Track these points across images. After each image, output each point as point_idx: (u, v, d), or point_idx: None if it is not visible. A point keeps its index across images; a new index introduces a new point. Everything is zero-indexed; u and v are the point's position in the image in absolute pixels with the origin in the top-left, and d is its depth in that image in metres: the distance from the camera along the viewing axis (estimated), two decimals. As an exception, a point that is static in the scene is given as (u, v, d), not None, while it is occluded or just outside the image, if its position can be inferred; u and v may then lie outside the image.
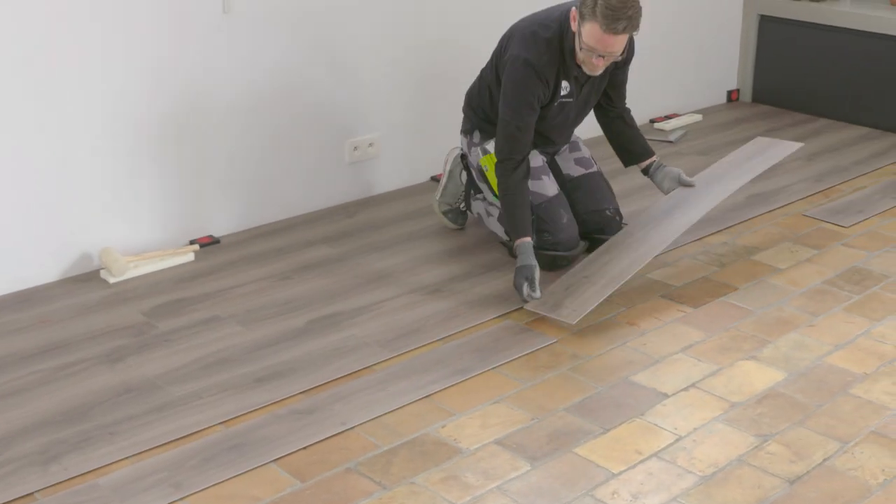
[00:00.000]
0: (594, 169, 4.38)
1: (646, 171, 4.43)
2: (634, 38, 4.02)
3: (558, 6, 4.03)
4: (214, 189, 4.37)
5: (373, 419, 3.17)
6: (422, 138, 5.04)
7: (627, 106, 4.39)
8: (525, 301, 3.84)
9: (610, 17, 3.66)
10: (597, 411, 3.22)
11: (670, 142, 5.80)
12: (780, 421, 3.19)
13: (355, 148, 4.79)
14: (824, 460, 3.00)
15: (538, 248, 4.09)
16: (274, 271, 4.13)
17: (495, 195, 4.23)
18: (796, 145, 4.66)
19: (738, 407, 3.26)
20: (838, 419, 3.20)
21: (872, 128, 6.15)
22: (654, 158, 4.41)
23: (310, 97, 4.57)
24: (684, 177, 4.34)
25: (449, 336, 3.66)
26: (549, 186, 4.18)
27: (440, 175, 5.05)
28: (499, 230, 4.33)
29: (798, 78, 6.43)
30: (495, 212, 4.34)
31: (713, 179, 4.41)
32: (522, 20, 4.09)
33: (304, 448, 3.03)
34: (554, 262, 4.16)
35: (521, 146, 3.99)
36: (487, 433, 3.11)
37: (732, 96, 6.69)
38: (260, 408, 3.22)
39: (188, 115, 4.21)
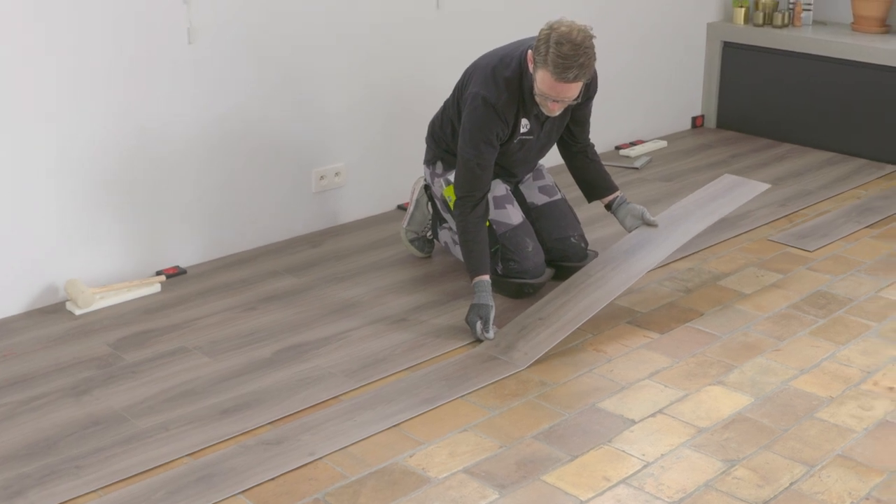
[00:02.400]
0: (558, 196, 4.41)
1: (609, 207, 4.41)
2: (597, 70, 4.04)
3: (520, 43, 4.04)
4: (180, 219, 4.36)
5: (340, 449, 3.16)
6: (387, 167, 5.05)
7: (592, 141, 4.38)
8: (478, 340, 3.84)
9: (560, 66, 3.68)
10: (564, 438, 3.23)
11: (635, 168, 5.82)
12: (746, 445, 3.20)
13: (321, 177, 4.79)
14: (791, 484, 3.00)
15: (504, 277, 4.12)
16: (240, 302, 4.12)
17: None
18: (763, 186, 4.61)
19: (704, 432, 3.27)
20: (804, 443, 3.21)
21: (836, 152, 6.20)
22: (617, 194, 4.39)
23: (275, 127, 4.57)
24: (647, 215, 4.31)
25: (416, 365, 3.66)
26: (513, 215, 4.19)
27: (407, 203, 5.06)
28: (461, 255, 4.27)
29: (762, 103, 6.48)
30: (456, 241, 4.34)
31: (677, 219, 4.37)
32: (485, 56, 4.12)
33: (272, 479, 3.01)
34: (520, 289, 4.17)
35: (481, 183, 3.98)
36: (455, 462, 3.10)
37: (697, 122, 6.73)
38: (227, 439, 3.21)
39: (154, 146, 4.20)
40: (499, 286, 4.16)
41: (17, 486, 2.96)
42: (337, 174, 4.84)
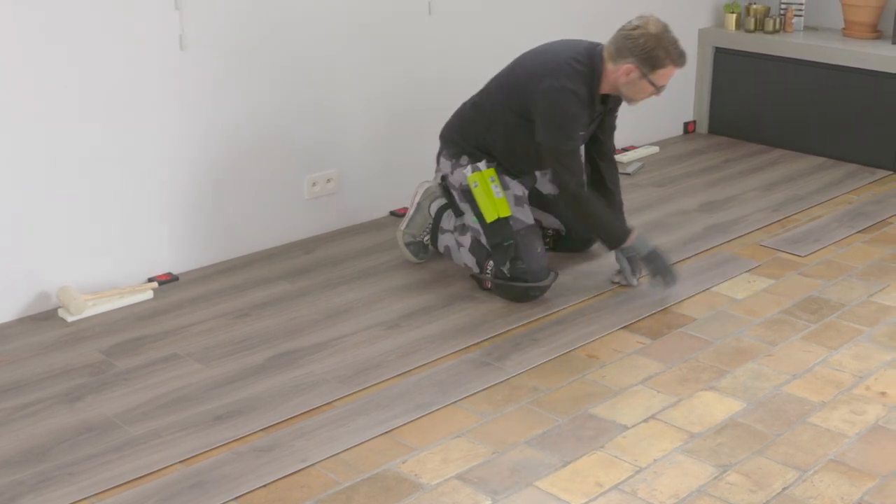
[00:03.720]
0: None
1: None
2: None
3: (567, 43, 4.31)
4: (173, 226, 4.36)
5: (333, 456, 3.16)
6: (380, 174, 5.05)
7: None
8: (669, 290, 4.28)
9: (681, 54, 4.12)
10: (557, 444, 3.23)
11: (628, 174, 5.83)
12: (739, 451, 3.20)
13: (314, 184, 4.79)
14: (784, 489, 3.01)
15: (510, 280, 4.19)
16: (232, 308, 4.12)
17: (480, 219, 4.27)
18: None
19: (697, 437, 3.27)
20: (797, 448, 3.22)
21: (828, 157, 6.21)
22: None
23: (268, 133, 4.57)
24: (628, 275, 4.38)
25: (409, 371, 3.66)
26: (528, 215, 4.31)
27: (401, 210, 5.08)
28: (470, 261, 4.34)
29: (754, 109, 6.49)
30: (467, 242, 4.36)
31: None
32: (534, 54, 4.35)
33: (265, 486, 3.01)
34: (526, 293, 4.20)
35: (580, 169, 4.24)
36: (448, 468, 3.11)
37: (689, 128, 6.74)
38: (219, 446, 3.21)
39: (146, 153, 4.20)
40: (503, 290, 4.22)
41: (11, 493, 2.96)
42: (329, 181, 4.84)
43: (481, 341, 3.88)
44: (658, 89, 4.19)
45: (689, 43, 6.50)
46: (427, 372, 3.65)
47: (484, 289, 4.27)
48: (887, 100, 5.94)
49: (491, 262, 4.24)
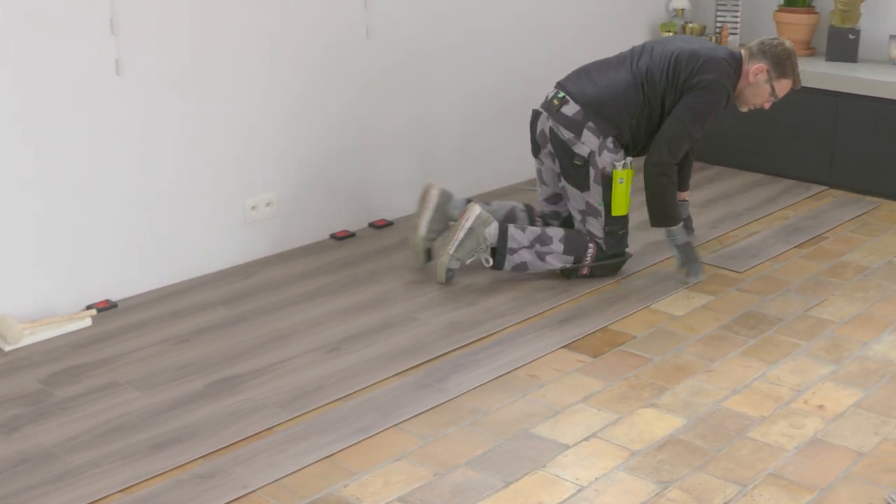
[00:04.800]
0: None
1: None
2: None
3: (721, 50, 4.69)
4: (111, 252, 4.33)
5: (274, 481, 3.14)
6: (319, 196, 5.04)
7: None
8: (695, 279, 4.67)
9: (799, 79, 4.70)
10: (499, 464, 3.23)
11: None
12: (680, 467, 3.21)
13: (253, 207, 4.77)
14: (724, 505, 3.03)
15: (607, 258, 4.65)
16: (172, 334, 4.10)
17: (602, 202, 4.61)
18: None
19: (638, 455, 3.28)
20: (737, 463, 3.24)
21: (764, 174, 6.28)
22: (686, 195, 5.18)
23: (206, 157, 4.56)
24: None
25: (349, 395, 3.65)
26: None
27: (341, 232, 5.07)
28: (565, 261, 4.62)
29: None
30: (558, 248, 4.61)
31: None
32: (692, 43, 4.74)
33: (205, 513, 3.00)
34: (616, 266, 4.72)
35: (681, 154, 4.65)
36: (390, 491, 3.10)
37: (627, 146, 6.77)
38: (159, 474, 3.18)
39: (83, 179, 4.17)
40: (603, 269, 4.67)
41: (-55, 527, 2.93)
42: (268, 204, 4.83)
43: (422, 363, 3.87)
44: (772, 97, 4.69)
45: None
46: (368, 395, 3.65)
47: (577, 276, 4.65)
48: (821, 116, 6.01)
49: (589, 253, 4.62)
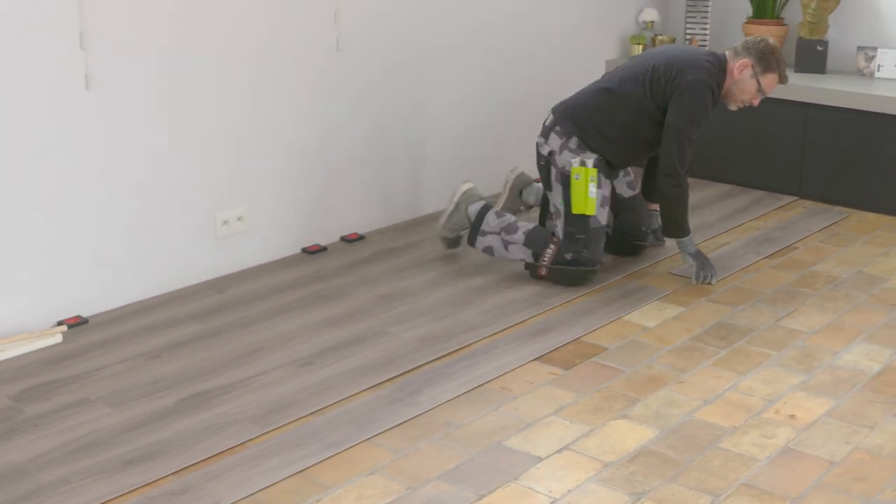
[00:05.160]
0: (637, 191, 5.16)
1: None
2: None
3: (703, 52, 4.87)
4: (81, 268, 4.31)
5: (247, 497, 3.13)
6: (291, 210, 5.04)
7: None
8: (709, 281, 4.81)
9: (784, 73, 4.78)
10: (471, 477, 3.23)
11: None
12: (652, 478, 3.22)
13: (224, 222, 4.76)
14: (696, 516, 3.04)
15: (565, 263, 4.71)
16: (143, 350, 4.08)
17: (563, 202, 4.74)
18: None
19: (611, 466, 3.29)
20: (709, 473, 3.25)
21: (735, 185, 6.31)
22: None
23: (177, 172, 4.54)
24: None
25: (322, 409, 3.64)
26: (605, 217, 4.80)
27: (313, 247, 5.07)
28: (524, 254, 4.80)
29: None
30: (519, 238, 4.80)
31: None
32: (672, 50, 4.92)
33: (177, 530, 2.99)
34: (584, 276, 4.75)
35: (689, 158, 4.77)
36: (363, 505, 3.10)
37: (598, 158, 6.79)
38: (131, 491, 3.16)
39: (52, 193, 4.15)
40: (560, 274, 4.73)
41: (-85, 547, 2.91)
42: (240, 218, 4.82)
43: (394, 377, 3.87)
44: (759, 92, 4.77)
45: (595, 73, 6.56)
46: (340, 409, 3.64)
47: (537, 276, 4.77)
48: (790, 127, 6.04)
49: (549, 251, 4.73)
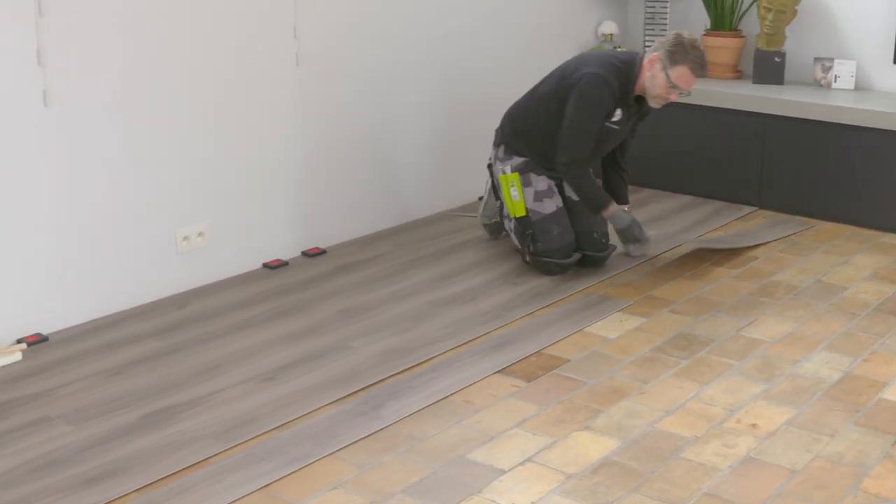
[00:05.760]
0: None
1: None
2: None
3: (617, 52, 5.07)
4: (41, 285, 4.28)
5: (209, 513, 3.13)
6: (252, 225, 5.03)
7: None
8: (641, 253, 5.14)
9: (699, 64, 4.81)
10: (435, 491, 3.23)
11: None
12: (615, 489, 3.23)
13: (185, 238, 4.75)
14: (659, 526, 3.05)
15: (534, 254, 4.97)
16: (104, 367, 4.06)
17: (505, 208, 5.07)
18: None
19: (574, 478, 3.30)
20: (671, 483, 3.26)
21: (695, 196, 6.34)
22: (624, 207, 5.29)
23: (137, 188, 4.53)
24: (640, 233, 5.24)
25: (284, 424, 3.63)
26: (547, 207, 4.99)
27: (274, 261, 5.07)
28: (514, 239, 5.11)
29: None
30: (513, 225, 5.09)
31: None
32: (588, 55, 5.10)
33: (139, 547, 2.97)
34: (545, 266, 4.98)
35: (587, 148, 4.93)
36: (326, 520, 3.09)
37: (559, 170, 6.82)
38: (92, 509, 3.15)
39: (9, 209, 4.13)
40: (534, 264, 5.00)
41: None
42: (200, 234, 4.81)
43: (357, 391, 3.87)
44: (671, 86, 4.82)
45: (555, 87, 6.59)
46: (303, 424, 3.63)
47: (525, 262, 5.07)
48: (749, 138, 6.08)
49: (522, 241, 5.02)
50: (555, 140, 4.99)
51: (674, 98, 4.90)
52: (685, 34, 4.84)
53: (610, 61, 4.92)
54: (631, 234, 5.11)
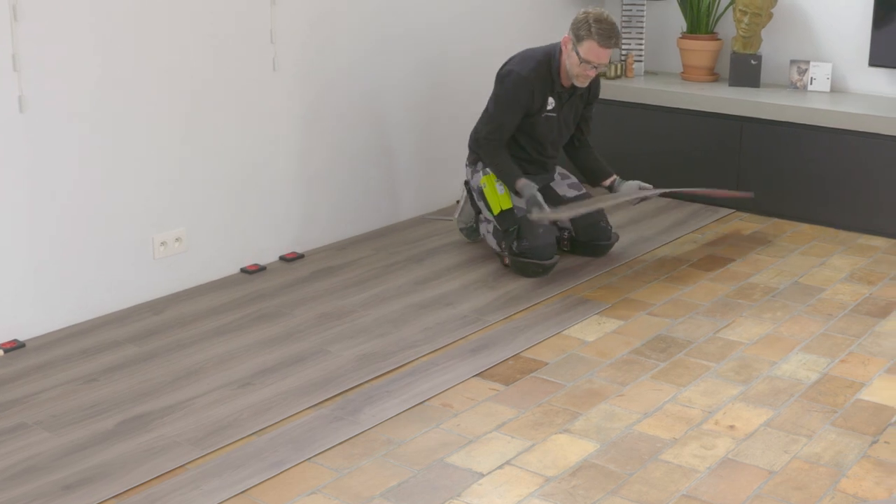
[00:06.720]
0: (584, 191, 5.46)
1: (610, 188, 5.38)
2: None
3: (541, 46, 5.24)
4: (17, 291, 4.27)
5: (187, 519, 3.12)
6: (229, 230, 5.02)
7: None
8: (541, 219, 4.96)
9: (604, 35, 4.91)
10: (414, 495, 3.22)
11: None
12: (594, 492, 3.23)
13: (162, 243, 4.74)
14: (638, 528, 3.05)
15: (516, 255, 5.02)
16: (81, 373, 4.04)
17: (491, 212, 5.14)
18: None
19: (552, 481, 3.30)
20: (650, 485, 3.26)
21: (671, 198, 6.34)
22: (614, 177, 5.38)
23: (113, 193, 4.51)
24: (643, 184, 5.27)
25: (262, 429, 3.63)
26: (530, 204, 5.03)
27: (251, 266, 5.05)
28: (493, 243, 5.19)
29: (599, 153, 6.59)
30: (491, 228, 5.20)
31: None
32: (517, 55, 5.22)
33: (117, 554, 2.96)
34: (526, 268, 5.03)
35: (501, 135, 5.12)
36: (305, 525, 3.09)
37: (537, 174, 6.83)
38: (70, 515, 3.14)
39: (-15, 219, 4.12)
40: (515, 265, 5.05)
41: None
42: (178, 239, 4.79)
43: (335, 395, 3.86)
44: (584, 63, 4.96)
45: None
46: (281, 429, 3.62)
47: (504, 265, 5.15)
48: (726, 140, 6.10)
49: (504, 243, 5.07)
50: (517, 141, 5.23)
51: (591, 74, 5.03)
52: (592, 9, 4.97)
53: (530, 55, 5.11)
54: (533, 202, 5.03)
